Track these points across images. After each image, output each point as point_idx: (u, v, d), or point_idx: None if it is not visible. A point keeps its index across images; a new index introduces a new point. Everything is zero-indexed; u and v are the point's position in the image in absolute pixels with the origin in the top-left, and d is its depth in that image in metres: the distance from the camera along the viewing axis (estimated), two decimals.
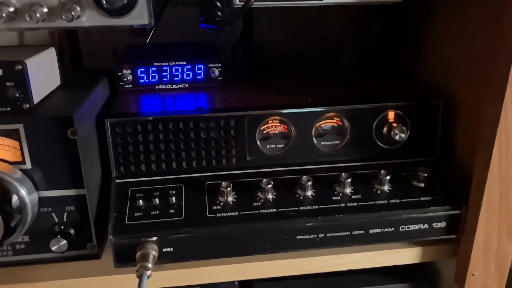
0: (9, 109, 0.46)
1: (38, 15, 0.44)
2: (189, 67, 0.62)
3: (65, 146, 0.48)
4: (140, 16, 0.47)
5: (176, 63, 0.61)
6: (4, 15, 0.44)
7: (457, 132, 0.57)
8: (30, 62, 0.46)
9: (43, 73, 0.51)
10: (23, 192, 0.47)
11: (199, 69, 0.62)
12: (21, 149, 0.47)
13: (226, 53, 0.83)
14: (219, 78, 0.63)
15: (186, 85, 0.63)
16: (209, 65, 0.62)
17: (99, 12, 0.46)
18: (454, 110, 0.57)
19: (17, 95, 0.46)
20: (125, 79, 0.61)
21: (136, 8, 0.47)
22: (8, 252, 0.51)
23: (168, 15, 0.75)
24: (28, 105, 0.46)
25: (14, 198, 0.46)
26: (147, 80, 0.62)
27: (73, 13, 0.45)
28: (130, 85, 0.61)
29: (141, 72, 0.61)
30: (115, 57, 0.81)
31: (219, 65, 0.62)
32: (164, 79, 0.62)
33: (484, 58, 0.52)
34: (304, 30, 0.88)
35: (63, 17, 0.45)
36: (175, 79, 0.62)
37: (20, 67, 0.45)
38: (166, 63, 0.61)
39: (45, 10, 0.45)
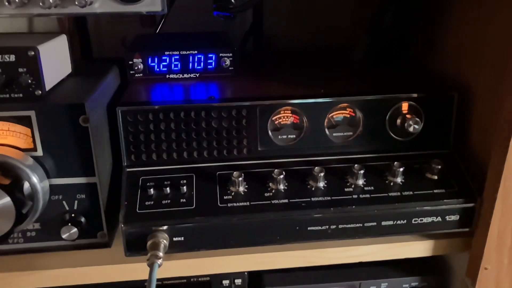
0: (21, 95, 0.46)
1: (51, 0, 0.44)
2: (200, 56, 0.61)
3: (77, 133, 0.48)
4: (153, 2, 0.47)
5: (187, 52, 0.61)
6: (17, 0, 0.43)
7: (472, 124, 0.56)
8: (42, 48, 0.46)
9: (55, 60, 0.51)
10: (34, 179, 0.47)
11: (210, 58, 0.62)
12: (33, 136, 0.47)
13: (236, 43, 0.82)
14: (230, 68, 0.62)
15: (197, 75, 0.62)
16: (220, 54, 0.61)
17: None
18: (469, 102, 0.56)
19: (29, 81, 0.45)
20: (136, 68, 0.60)
21: None
22: (19, 239, 0.51)
23: (176, 5, 0.74)
24: (40, 92, 0.46)
25: (26, 185, 0.46)
26: (158, 69, 0.61)
27: None
28: (141, 74, 0.61)
29: (152, 61, 0.61)
30: (125, 46, 0.81)
31: (231, 54, 0.62)
32: (175, 68, 0.61)
33: (500, 50, 0.51)
34: (314, 21, 0.87)
35: (76, 2, 0.44)
36: (186, 68, 0.62)
37: (33, 53, 0.44)
38: (177, 52, 0.61)
39: None
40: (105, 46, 0.85)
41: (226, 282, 0.58)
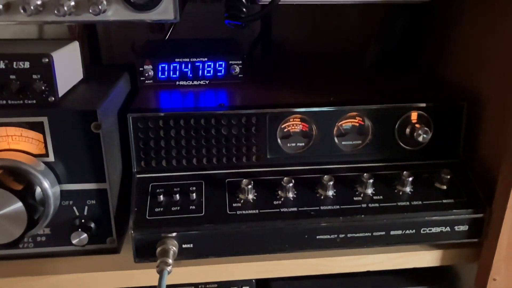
0: (34, 101, 0.46)
1: (65, 8, 0.44)
2: (210, 63, 0.62)
3: (88, 140, 0.48)
4: (165, 11, 0.47)
5: (197, 59, 0.61)
6: (32, 7, 0.44)
7: (481, 134, 0.56)
8: (56, 55, 0.46)
9: (68, 67, 0.52)
10: (46, 184, 0.47)
11: (220, 65, 0.62)
12: (45, 142, 0.48)
13: (245, 50, 0.83)
14: (239, 75, 0.62)
15: (207, 82, 0.62)
16: (230, 62, 0.62)
17: (125, 6, 0.46)
18: (478, 112, 0.56)
19: (43, 88, 0.46)
20: (146, 75, 0.61)
21: (162, 3, 0.47)
22: (29, 244, 0.51)
23: (185, 12, 0.74)
24: (53, 98, 0.47)
25: (38, 191, 0.46)
26: (168, 76, 0.62)
27: (99, 7, 0.45)
28: (151, 81, 0.61)
29: (162, 68, 0.61)
30: (135, 52, 0.82)
31: (240, 62, 0.62)
32: (185, 75, 0.62)
33: (510, 58, 0.51)
34: (323, 28, 0.88)
35: (90, 10, 0.45)
36: (196, 75, 0.62)
37: (47, 60, 0.45)
38: (187, 59, 0.61)
39: (72, 3, 0.45)
40: (114, 52, 0.86)
41: None
